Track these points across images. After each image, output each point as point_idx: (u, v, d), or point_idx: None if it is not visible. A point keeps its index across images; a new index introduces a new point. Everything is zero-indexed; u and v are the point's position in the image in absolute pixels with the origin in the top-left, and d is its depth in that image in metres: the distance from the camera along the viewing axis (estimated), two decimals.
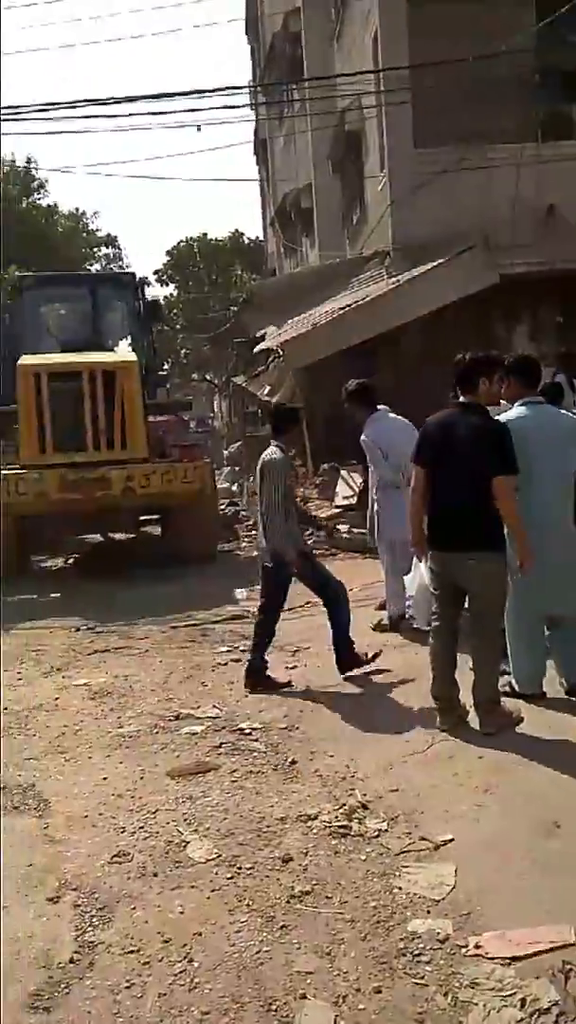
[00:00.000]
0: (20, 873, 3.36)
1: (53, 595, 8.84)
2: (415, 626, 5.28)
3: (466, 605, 4.53)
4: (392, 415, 6.43)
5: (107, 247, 37.47)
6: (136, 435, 9.36)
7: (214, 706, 5.15)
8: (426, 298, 11.26)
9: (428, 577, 4.72)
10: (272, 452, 5.53)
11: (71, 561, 10.99)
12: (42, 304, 11.30)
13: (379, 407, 6.43)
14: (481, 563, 4.33)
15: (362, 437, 6.41)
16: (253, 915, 2.98)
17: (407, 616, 4.90)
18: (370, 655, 5.55)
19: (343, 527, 10.52)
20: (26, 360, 9.38)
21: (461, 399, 4.52)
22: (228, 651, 6.36)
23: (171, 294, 40.89)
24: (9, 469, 9.15)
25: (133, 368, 9.45)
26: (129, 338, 11.56)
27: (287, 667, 5.84)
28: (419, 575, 4.77)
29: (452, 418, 4.50)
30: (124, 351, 11.09)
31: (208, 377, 44.20)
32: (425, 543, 4.58)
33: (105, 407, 9.21)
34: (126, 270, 19.59)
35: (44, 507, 8.99)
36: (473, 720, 4.47)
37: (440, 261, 11.41)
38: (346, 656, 5.54)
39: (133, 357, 9.88)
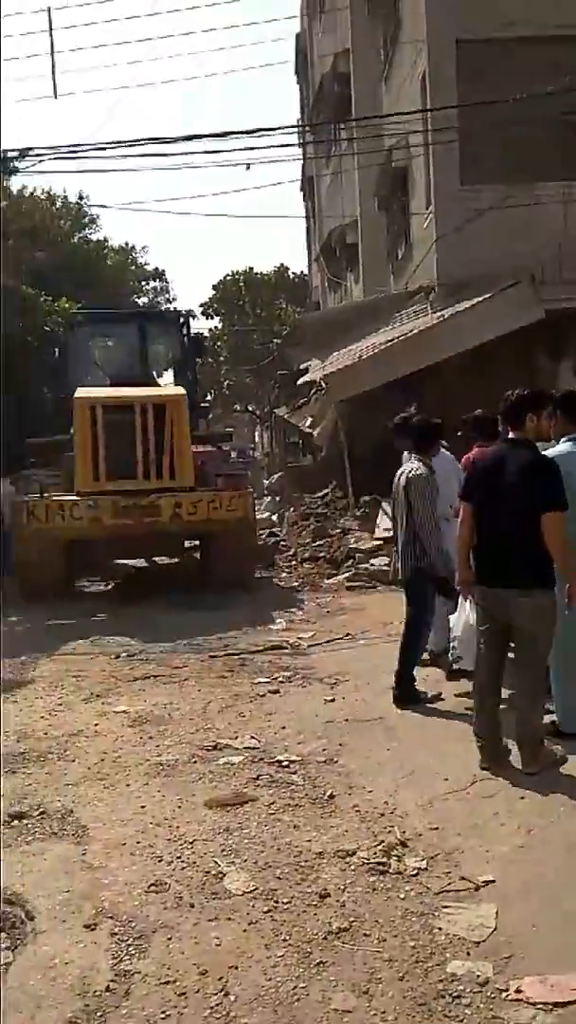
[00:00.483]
0: (58, 899, 3.38)
1: (96, 617, 8.92)
2: (461, 667, 5.17)
3: (511, 643, 4.48)
4: (443, 451, 6.44)
5: (155, 280, 38.18)
6: (184, 465, 9.74)
7: (252, 737, 5.14)
8: (470, 333, 11.29)
9: (474, 616, 4.65)
10: (416, 467, 5.61)
11: (111, 586, 11.11)
12: (92, 339, 11.88)
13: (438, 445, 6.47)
14: (531, 599, 4.28)
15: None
16: (290, 950, 2.95)
17: (451, 656, 4.81)
18: (430, 695, 5.52)
19: (381, 560, 10.47)
20: (82, 393, 9.83)
21: (510, 435, 4.50)
22: (267, 682, 6.35)
23: (216, 327, 41.48)
24: (61, 496, 9.53)
25: (182, 402, 9.84)
26: (173, 372, 12.06)
27: (326, 699, 5.82)
28: (465, 614, 4.69)
29: (501, 454, 4.48)
30: (168, 384, 11.57)
31: (250, 408, 44.61)
32: (472, 580, 4.56)
33: (155, 438, 9.61)
34: (172, 308, 20.38)
35: (97, 532, 9.35)
36: (515, 759, 4.40)
37: (485, 296, 11.44)
38: (405, 692, 5.53)
39: (182, 391, 10.26)
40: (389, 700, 5.61)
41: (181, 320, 12.42)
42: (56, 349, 12.02)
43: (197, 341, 12.83)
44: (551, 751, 4.40)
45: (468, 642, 4.55)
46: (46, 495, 9.45)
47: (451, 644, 4.78)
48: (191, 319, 12.96)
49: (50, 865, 3.65)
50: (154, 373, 11.83)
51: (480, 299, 11.51)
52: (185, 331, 12.19)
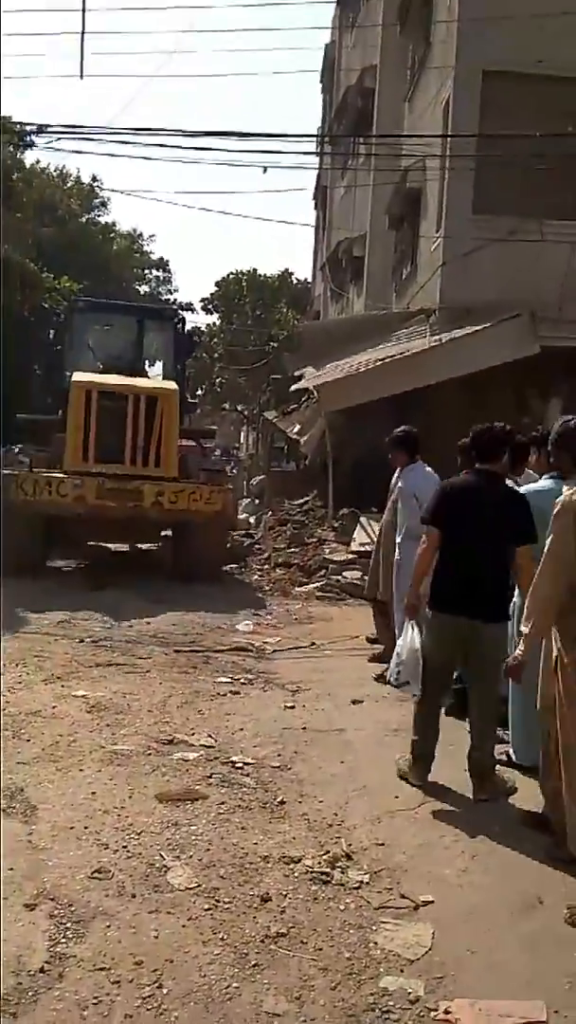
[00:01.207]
0: (0, 876, 3.37)
1: (60, 602, 8.89)
2: (407, 691, 4.78)
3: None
4: (427, 468, 6.53)
5: (158, 270, 38.12)
6: (170, 456, 10.16)
7: (208, 735, 5.16)
8: (466, 359, 11.40)
9: (418, 640, 4.55)
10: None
11: (83, 566, 11.14)
12: (90, 326, 12.15)
13: (417, 458, 6.55)
14: (493, 629, 4.36)
15: (399, 484, 6.51)
16: (227, 949, 2.97)
17: (395, 680, 4.70)
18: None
19: (354, 573, 10.53)
20: (80, 377, 10.24)
21: (482, 467, 4.52)
22: (228, 682, 6.36)
23: (214, 323, 41.43)
24: (49, 472, 9.87)
25: (174, 396, 10.28)
26: (163, 367, 12.47)
27: (285, 706, 5.85)
28: (410, 637, 4.55)
29: (476, 483, 4.50)
30: (157, 377, 11.96)
31: (239, 408, 44.57)
32: (423, 605, 4.56)
33: (145, 428, 9.99)
34: (173, 300, 20.99)
35: (80, 510, 9.68)
36: (464, 786, 4.45)
37: (485, 325, 11.56)
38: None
39: (175, 387, 10.61)
40: (348, 713, 5.65)
41: (176, 318, 12.85)
42: (53, 330, 12.15)
43: (190, 339, 13.18)
44: (503, 780, 4.46)
45: (413, 665, 4.52)
46: (35, 470, 9.80)
47: (396, 668, 4.61)
48: (186, 316, 13.30)
49: None
50: (145, 366, 12.21)
51: (479, 327, 11.63)
52: (180, 329, 12.53)
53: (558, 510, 3.63)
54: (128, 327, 12.10)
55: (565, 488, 3.80)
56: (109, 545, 12.16)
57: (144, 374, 11.84)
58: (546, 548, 3.66)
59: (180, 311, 13.53)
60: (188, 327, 13.12)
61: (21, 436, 11.46)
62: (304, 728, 5.41)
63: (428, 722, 4.58)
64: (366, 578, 9.83)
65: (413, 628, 4.58)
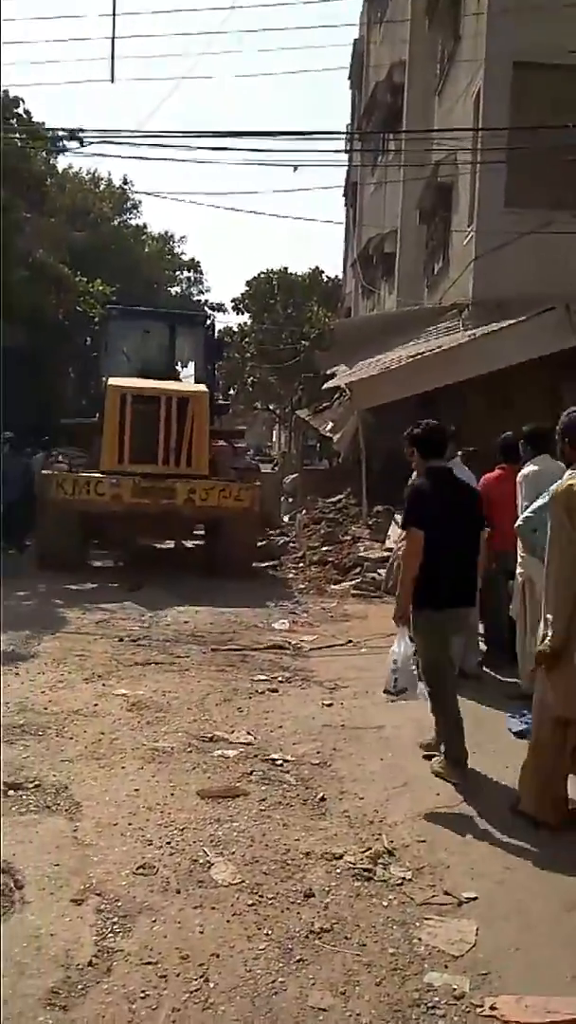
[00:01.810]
0: (47, 872, 3.43)
1: (100, 604, 9.01)
2: (405, 698, 4.65)
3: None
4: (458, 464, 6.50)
5: (189, 271, 38.24)
6: (200, 455, 10.63)
7: (248, 732, 5.19)
8: (500, 354, 11.29)
9: (410, 647, 4.52)
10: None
11: (122, 564, 11.39)
12: (125, 332, 12.70)
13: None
14: (468, 611, 4.73)
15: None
16: (271, 945, 3.00)
17: (394, 687, 4.52)
18: None
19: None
20: (115, 381, 10.72)
21: (435, 463, 4.72)
22: (266, 680, 6.39)
23: (245, 323, 41.53)
24: (88, 472, 10.38)
25: (204, 398, 10.80)
26: (195, 369, 12.97)
27: (324, 703, 5.86)
28: (404, 644, 4.50)
29: (441, 481, 4.64)
30: (189, 379, 12.54)
31: (271, 407, 44.62)
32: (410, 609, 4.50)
33: (177, 428, 10.49)
34: (199, 311, 21.65)
35: (117, 508, 10.16)
36: (505, 781, 4.42)
37: (519, 319, 11.45)
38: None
39: (205, 389, 11.15)
40: (387, 710, 5.64)
41: (207, 323, 13.43)
42: (89, 337, 12.91)
43: (221, 343, 14.11)
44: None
45: (409, 672, 4.49)
46: (74, 470, 10.37)
47: (393, 677, 4.49)
48: (216, 319, 13.76)
49: (42, 838, 3.71)
50: (178, 370, 12.76)
51: (512, 322, 11.52)
52: (210, 332, 13.08)
53: (547, 500, 3.78)
54: (160, 332, 12.64)
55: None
56: (155, 544, 12.74)
57: (177, 377, 12.41)
58: (549, 540, 3.84)
59: (210, 316, 14.06)
60: (218, 330, 13.62)
61: (62, 440, 11.98)
62: (343, 725, 5.42)
63: (452, 724, 4.58)
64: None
65: (405, 635, 4.55)
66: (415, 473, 6.60)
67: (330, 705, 5.85)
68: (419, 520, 4.47)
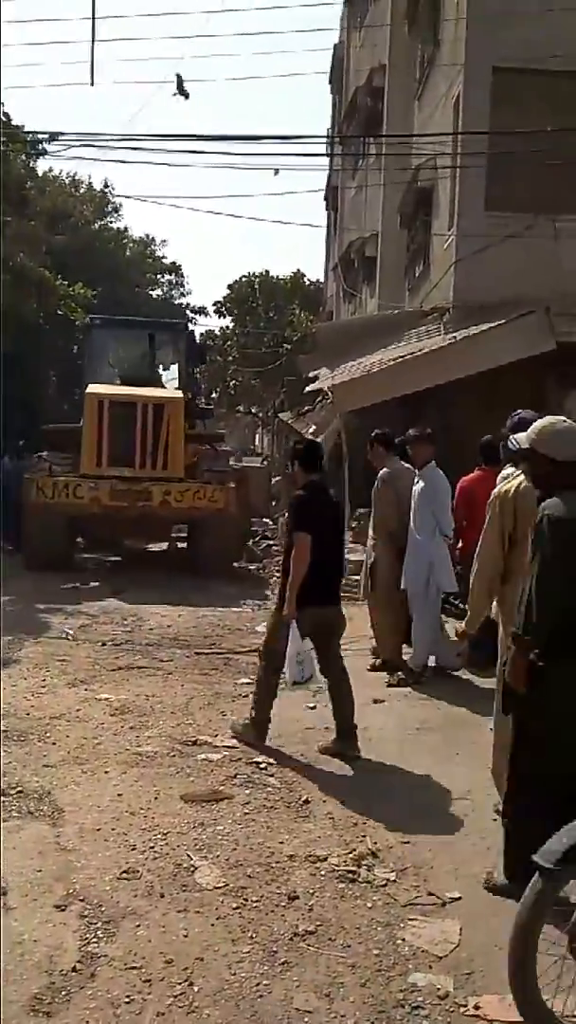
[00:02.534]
0: (30, 878, 3.41)
1: (81, 605, 8.99)
2: (307, 685, 5.09)
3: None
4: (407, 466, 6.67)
5: (171, 274, 38.18)
6: (176, 458, 11.03)
7: (232, 736, 5.18)
8: (481, 357, 11.34)
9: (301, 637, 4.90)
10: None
11: (108, 565, 11.50)
12: (107, 341, 13.29)
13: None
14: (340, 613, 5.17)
15: (421, 485, 6.57)
16: (256, 948, 3.00)
17: (301, 678, 4.91)
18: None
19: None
20: (93, 388, 11.26)
21: (314, 477, 5.13)
22: (249, 683, 6.36)
23: (227, 326, 41.50)
24: (66, 476, 10.76)
25: (179, 404, 11.26)
26: (178, 375, 13.40)
27: (307, 706, 5.86)
28: (300, 638, 4.87)
29: (321, 490, 5.15)
30: (171, 386, 12.90)
31: (253, 410, 44.63)
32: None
33: (153, 433, 10.89)
34: (180, 320, 22.98)
35: (96, 510, 10.58)
36: (487, 784, 4.44)
37: (500, 322, 11.51)
38: None
39: (179, 395, 11.66)
40: (371, 712, 5.66)
41: (187, 329, 14.16)
42: (76, 346, 13.40)
43: (202, 348, 14.59)
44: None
45: (311, 660, 4.94)
46: (53, 474, 10.71)
47: (299, 668, 4.88)
48: (195, 328, 14.32)
49: (24, 844, 3.69)
50: (159, 377, 13.14)
51: (494, 324, 11.58)
52: (190, 339, 13.68)
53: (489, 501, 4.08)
54: (141, 340, 13.10)
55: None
56: (145, 545, 13.22)
57: (159, 383, 12.78)
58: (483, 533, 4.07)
59: (191, 321, 14.76)
60: (200, 334, 14.15)
61: (46, 445, 12.21)
62: (327, 728, 5.40)
63: (267, 694, 5.09)
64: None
65: (295, 629, 4.85)
66: (380, 473, 6.74)
67: (313, 708, 5.84)
68: (307, 525, 4.87)
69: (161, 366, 13.54)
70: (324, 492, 5.18)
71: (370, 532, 7.10)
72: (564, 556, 2.90)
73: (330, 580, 5.01)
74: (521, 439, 3.48)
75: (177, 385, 12.98)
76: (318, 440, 5.84)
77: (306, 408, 19.57)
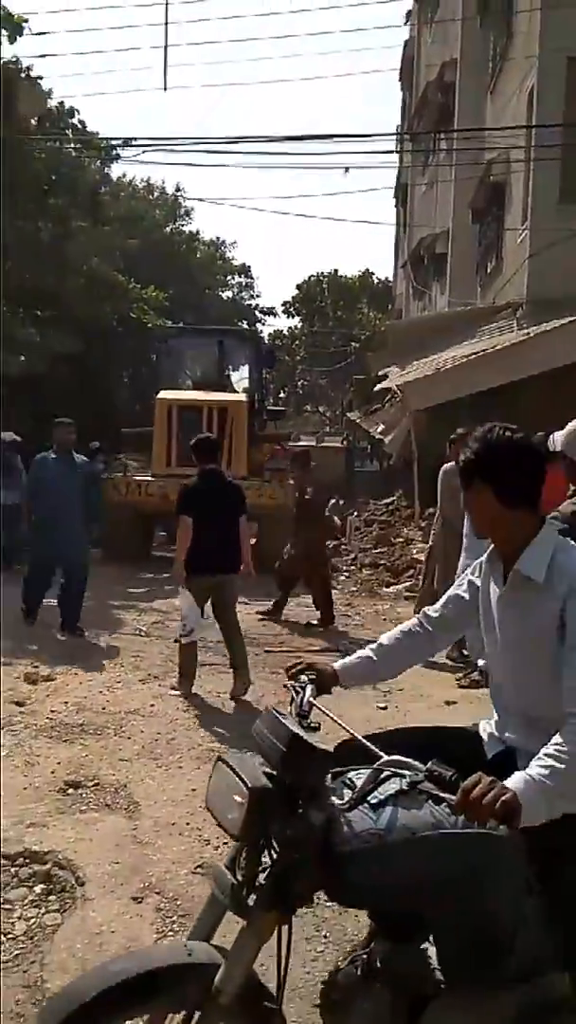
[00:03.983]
0: (107, 869, 3.48)
1: (153, 604, 9.12)
2: (194, 638, 6.02)
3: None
4: None
5: (240, 275, 38.51)
6: (239, 457, 11.63)
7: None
8: (555, 353, 11.13)
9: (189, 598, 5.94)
10: None
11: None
12: (180, 349, 14.48)
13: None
14: (233, 580, 6.01)
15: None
16: (330, 947, 2.99)
17: (184, 634, 5.95)
18: None
19: None
20: (163, 395, 12.10)
21: (208, 466, 6.12)
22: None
23: (295, 326, 41.65)
24: (140, 476, 11.61)
25: (242, 406, 11.99)
26: (249, 380, 14.45)
27: (378, 706, 5.84)
28: (186, 598, 5.96)
29: (213, 476, 6.10)
30: (240, 390, 13.83)
31: (321, 409, 44.67)
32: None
33: (218, 433, 11.28)
34: (247, 328, 24.82)
35: (166, 507, 10.77)
36: None
37: (574, 317, 11.27)
38: None
39: (242, 398, 12.37)
40: (443, 713, 5.61)
41: (255, 336, 15.55)
42: (154, 355, 14.80)
43: (271, 353, 15.31)
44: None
45: (194, 619, 5.92)
46: (128, 474, 11.56)
47: (186, 626, 5.90)
48: (263, 330, 15.32)
49: (102, 836, 3.76)
50: (230, 381, 14.11)
51: (568, 319, 11.34)
52: (258, 345, 14.66)
53: None
54: (212, 347, 14.09)
55: None
56: None
57: (228, 388, 13.65)
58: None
59: (259, 327, 16.29)
60: (268, 336, 15.03)
61: (126, 447, 13.27)
62: (398, 727, 5.38)
63: (190, 654, 6.03)
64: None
65: (185, 592, 5.94)
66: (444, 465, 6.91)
67: (384, 708, 5.82)
68: (188, 509, 5.92)
69: (231, 370, 14.51)
70: (216, 478, 6.10)
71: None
72: None
73: (213, 553, 5.85)
74: (558, 439, 3.42)
75: (247, 388, 13.83)
76: (213, 436, 7.18)
77: (375, 407, 19.49)
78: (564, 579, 1.97)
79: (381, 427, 17.14)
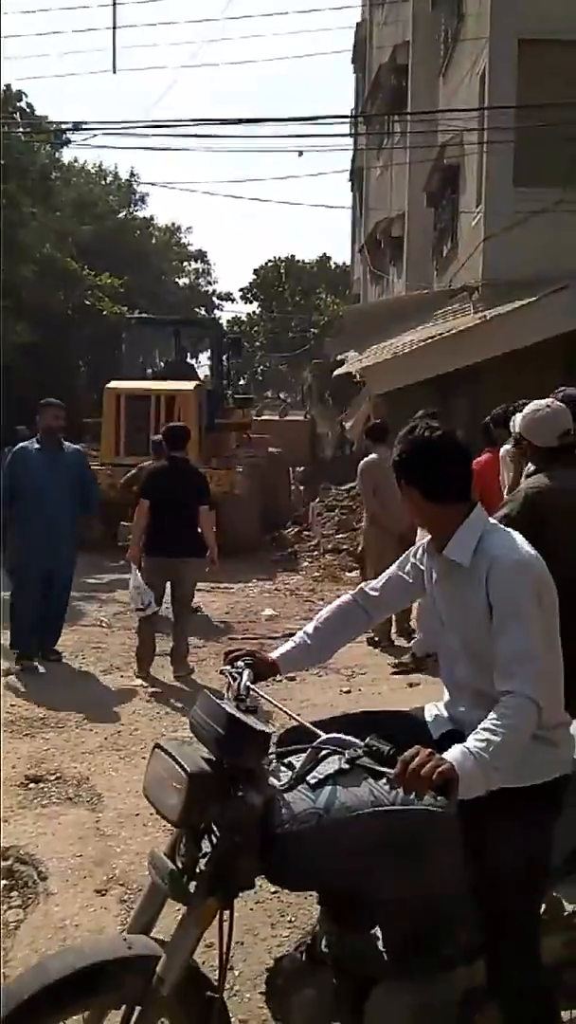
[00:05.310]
0: (70, 863, 3.45)
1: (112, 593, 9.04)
2: (147, 611, 6.08)
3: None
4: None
5: (197, 261, 38.22)
6: (190, 446, 11.41)
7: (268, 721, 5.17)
8: (513, 335, 11.19)
9: (138, 576, 6.04)
10: None
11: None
12: (140, 339, 15.02)
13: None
14: (190, 564, 6.17)
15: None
16: (295, 931, 2.99)
17: (140, 607, 6.03)
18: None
19: None
20: (111, 384, 12.22)
21: (175, 454, 6.29)
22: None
23: (254, 312, 41.46)
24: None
25: (190, 395, 11.92)
26: (209, 369, 14.65)
27: (342, 690, 5.86)
28: (136, 575, 6.06)
29: (179, 463, 6.28)
30: (203, 378, 14.03)
31: (281, 395, 44.61)
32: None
33: (167, 421, 11.07)
34: (210, 316, 25.23)
35: (114, 495, 10.71)
36: None
37: (531, 299, 11.34)
38: None
39: (190, 386, 12.27)
40: (406, 695, 5.63)
41: (217, 327, 15.70)
42: (104, 337, 15.53)
43: (237, 343, 15.26)
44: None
45: (145, 594, 5.98)
46: None
47: (140, 599, 5.99)
48: (223, 308, 15.75)
49: (64, 829, 3.72)
50: (190, 371, 14.06)
51: (525, 302, 11.41)
52: (221, 336, 14.67)
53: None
54: (172, 338, 14.36)
55: None
56: None
57: (192, 376, 13.62)
58: None
59: (219, 320, 16.73)
60: (229, 324, 15.36)
61: (88, 436, 12.99)
62: (363, 712, 5.40)
63: (150, 629, 6.16)
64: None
65: (135, 570, 6.07)
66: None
67: (348, 692, 5.85)
68: (147, 494, 6.12)
69: (193, 359, 15.12)
70: (179, 464, 6.25)
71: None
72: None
73: (170, 536, 5.98)
74: (517, 422, 3.48)
75: (210, 376, 14.15)
76: (182, 425, 7.03)
77: (330, 392, 19.51)
78: (485, 559, 2.00)
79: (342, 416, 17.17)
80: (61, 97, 52.69)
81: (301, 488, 19.18)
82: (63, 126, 17.00)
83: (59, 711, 5.25)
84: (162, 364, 14.90)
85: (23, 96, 17.44)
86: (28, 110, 17.65)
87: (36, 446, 6.42)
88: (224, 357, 14.72)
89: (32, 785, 4.14)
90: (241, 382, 37.02)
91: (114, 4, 16.51)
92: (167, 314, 24.21)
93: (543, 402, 3.41)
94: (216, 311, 36.57)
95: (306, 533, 13.18)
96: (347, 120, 21.97)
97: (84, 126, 14.04)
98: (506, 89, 12.01)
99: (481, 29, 12.81)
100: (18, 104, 17.29)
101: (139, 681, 5.97)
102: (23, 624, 6.30)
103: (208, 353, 15.02)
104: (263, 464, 13.11)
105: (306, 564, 11.21)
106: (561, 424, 3.34)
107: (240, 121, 11.15)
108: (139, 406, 11.70)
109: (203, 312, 34.68)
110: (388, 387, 12.50)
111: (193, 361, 15.09)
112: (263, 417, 20.73)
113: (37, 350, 16.76)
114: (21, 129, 16.86)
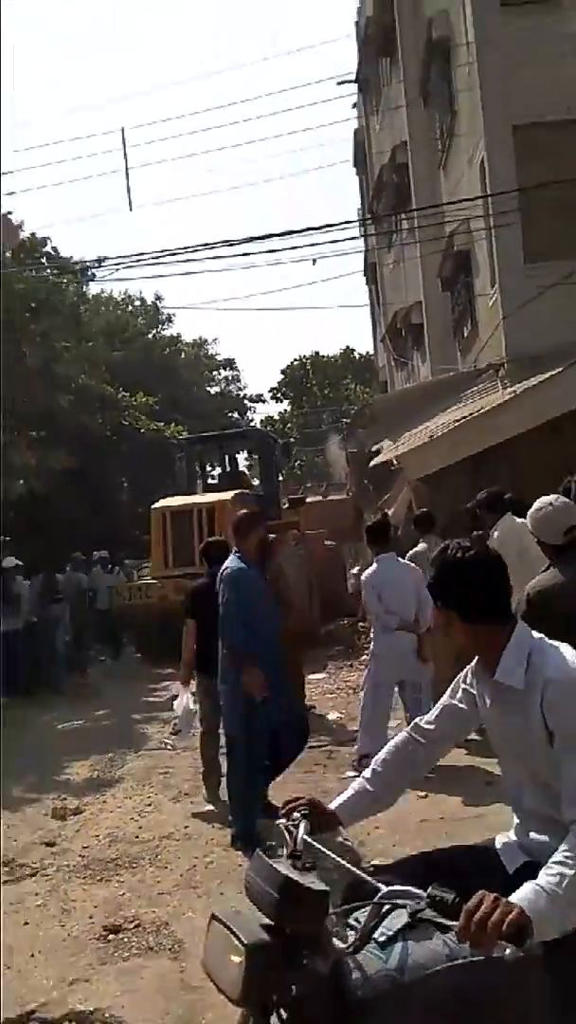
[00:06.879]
0: (158, 1023, 3.27)
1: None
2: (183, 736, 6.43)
3: None
4: (399, 560, 6.49)
5: (226, 369, 39.30)
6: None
7: (344, 839, 4.96)
8: (544, 407, 11.16)
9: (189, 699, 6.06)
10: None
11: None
12: (194, 456, 15.75)
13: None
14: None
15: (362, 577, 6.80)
16: None
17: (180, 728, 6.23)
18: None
19: None
20: (157, 505, 13.27)
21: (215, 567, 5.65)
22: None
23: (285, 410, 42.26)
24: (140, 580, 12.86)
25: (226, 505, 12.42)
26: (260, 476, 15.99)
27: (418, 796, 5.63)
28: (186, 697, 6.09)
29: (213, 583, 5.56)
30: (251, 485, 15.31)
31: (320, 488, 44.92)
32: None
33: (208, 532, 11.87)
34: (257, 427, 27.00)
35: (166, 607, 11.42)
36: None
37: (557, 370, 11.36)
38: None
39: (225, 498, 12.92)
40: (487, 803, 5.39)
41: (267, 438, 16.66)
42: (144, 453, 17.18)
43: (286, 448, 16.92)
44: None
45: (188, 718, 6.09)
46: (129, 581, 12.79)
47: (174, 721, 6.41)
48: (254, 412, 16.55)
49: (148, 984, 3.56)
50: (245, 477, 15.77)
51: (551, 373, 11.44)
52: (272, 443, 15.95)
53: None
54: (228, 450, 15.74)
55: None
56: None
57: (244, 485, 14.94)
58: None
59: (269, 434, 18.74)
60: (264, 425, 15.93)
61: (140, 552, 14.54)
62: (442, 818, 5.18)
63: (214, 753, 6.00)
64: None
65: (185, 691, 6.08)
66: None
67: (424, 797, 5.61)
68: (193, 614, 5.98)
69: (245, 470, 16.30)
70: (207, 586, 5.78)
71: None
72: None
73: (216, 654, 5.40)
74: (527, 520, 3.55)
75: (262, 482, 15.65)
76: (218, 538, 6.81)
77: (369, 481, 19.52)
78: (539, 679, 1.93)
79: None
80: (82, 237, 55.62)
81: (354, 572, 19.05)
82: (87, 264, 17.92)
83: (132, 848, 5.11)
84: (214, 476, 16.00)
85: (47, 241, 18.51)
86: (53, 253, 18.68)
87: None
88: (275, 464, 15.73)
89: (111, 936, 3.99)
90: (280, 478, 37.45)
91: (124, 148, 17.55)
92: (200, 422, 24.94)
93: (549, 499, 3.39)
94: (249, 413, 37.38)
95: (362, 624, 12.99)
96: (356, 223, 22.72)
97: (106, 261, 14.75)
98: (506, 174, 12.37)
99: (475, 122, 13.32)
100: (43, 249, 18.32)
101: (209, 806, 5.82)
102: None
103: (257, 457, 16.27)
104: (319, 563, 13.07)
105: (364, 656, 10.99)
106: (565, 521, 3.32)
107: (244, 240, 11.62)
108: (183, 521, 12.44)
109: (235, 415, 35.46)
110: (426, 471, 12.47)
111: (246, 471, 16.30)
112: (308, 499, 20.90)
113: (78, 474, 17.20)
114: (49, 271, 17.79)
